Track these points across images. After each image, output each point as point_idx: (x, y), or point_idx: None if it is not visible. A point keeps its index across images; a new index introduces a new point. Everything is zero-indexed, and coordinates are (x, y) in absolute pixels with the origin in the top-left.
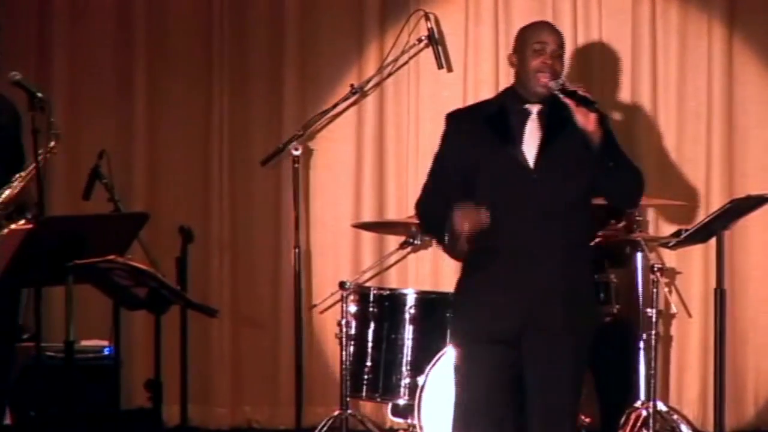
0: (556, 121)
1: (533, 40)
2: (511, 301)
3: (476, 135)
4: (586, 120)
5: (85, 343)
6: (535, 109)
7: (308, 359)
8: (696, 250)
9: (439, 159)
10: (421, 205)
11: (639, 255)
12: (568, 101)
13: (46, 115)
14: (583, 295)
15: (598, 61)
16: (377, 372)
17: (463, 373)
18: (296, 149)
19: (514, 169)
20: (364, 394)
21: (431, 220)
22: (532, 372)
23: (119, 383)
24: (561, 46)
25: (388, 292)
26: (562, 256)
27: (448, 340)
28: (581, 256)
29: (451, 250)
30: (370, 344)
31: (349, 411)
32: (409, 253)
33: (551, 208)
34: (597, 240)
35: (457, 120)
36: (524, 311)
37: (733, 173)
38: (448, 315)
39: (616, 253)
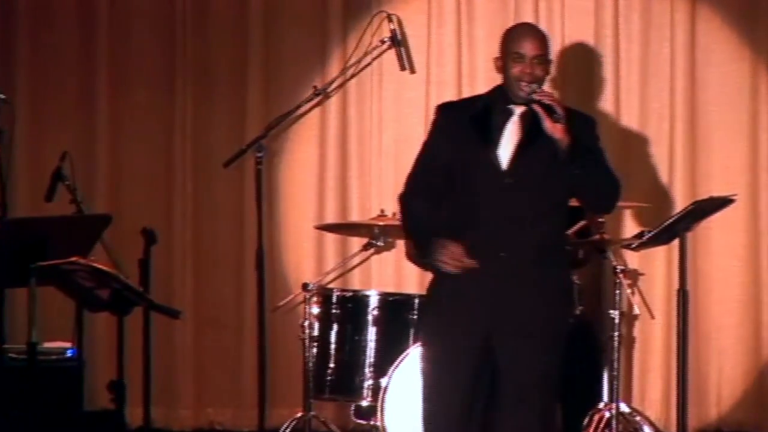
0: (538, 124)
1: (513, 48)
2: (482, 303)
3: (459, 132)
4: (553, 127)
5: (47, 344)
6: (518, 110)
7: (271, 361)
8: (659, 252)
9: (426, 149)
10: (404, 199)
11: (602, 257)
12: (536, 108)
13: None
14: (556, 298)
15: (560, 63)
16: (340, 373)
17: (432, 372)
18: (259, 151)
19: (488, 171)
20: (327, 395)
21: (412, 221)
22: (506, 375)
23: (82, 385)
24: (543, 49)
25: (351, 293)
26: (534, 259)
27: (411, 341)
28: (555, 259)
29: (421, 266)
30: (333, 346)
31: (312, 412)
32: (372, 254)
33: (524, 211)
34: None
35: (446, 113)
36: (496, 314)
37: (696, 175)
38: (411, 316)
39: (575, 254)
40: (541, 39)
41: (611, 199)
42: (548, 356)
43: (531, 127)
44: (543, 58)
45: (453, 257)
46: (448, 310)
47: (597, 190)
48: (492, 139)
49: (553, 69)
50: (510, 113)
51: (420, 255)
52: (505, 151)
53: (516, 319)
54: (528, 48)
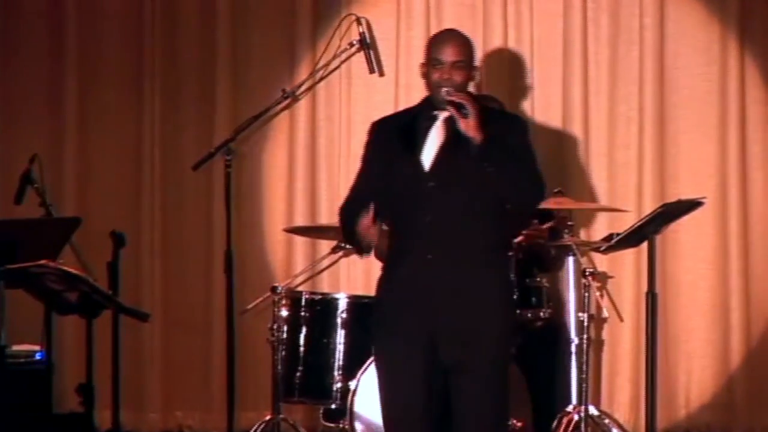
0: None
1: (433, 54)
2: (420, 306)
3: (389, 144)
4: (465, 125)
5: (16, 347)
6: (443, 115)
7: (240, 364)
8: (627, 255)
9: (362, 167)
10: (343, 211)
11: (571, 259)
12: (449, 108)
13: None
14: (492, 299)
15: (529, 65)
16: (309, 376)
17: (382, 373)
18: (228, 154)
19: (412, 176)
20: (296, 398)
21: (350, 225)
22: (453, 381)
23: (51, 388)
24: (462, 55)
25: (320, 296)
26: (462, 259)
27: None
28: (488, 260)
29: (361, 253)
30: (301, 348)
31: (281, 415)
32: (341, 257)
33: (448, 212)
34: (520, 240)
35: (377, 129)
36: (434, 315)
37: (665, 178)
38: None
39: (545, 257)
40: (461, 45)
41: (529, 196)
42: (490, 356)
43: (455, 130)
44: (462, 64)
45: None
46: (390, 312)
47: (514, 188)
48: (416, 145)
49: (523, 71)
50: (434, 119)
51: (361, 250)
52: (428, 155)
53: (452, 321)
54: (447, 54)
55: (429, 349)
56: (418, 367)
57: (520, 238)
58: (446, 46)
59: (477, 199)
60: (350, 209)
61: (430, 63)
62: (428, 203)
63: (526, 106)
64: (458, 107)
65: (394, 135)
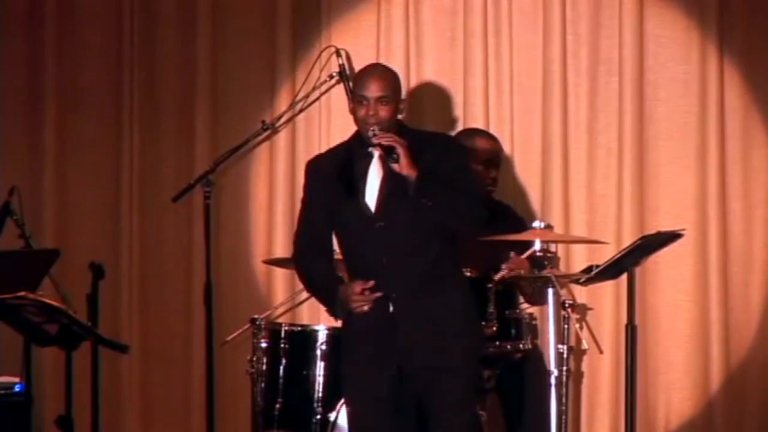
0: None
1: (357, 91)
2: (385, 341)
3: (328, 186)
4: (399, 167)
5: None
6: (377, 152)
7: (219, 395)
8: (607, 287)
9: (304, 208)
10: (298, 262)
11: (550, 291)
12: (378, 151)
13: None
14: (453, 328)
15: (508, 96)
16: (289, 408)
17: (349, 405)
18: (207, 185)
19: (360, 220)
20: (275, 430)
21: (312, 282)
22: (425, 406)
23: (30, 420)
24: (386, 90)
25: (299, 328)
26: (419, 290)
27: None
28: (446, 289)
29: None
30: (281, 380)
31: None
32: None
33: (400, 248)
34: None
35: (312, 171)
36: (400, 349)
37: (644, 209)
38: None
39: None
40: (385, 79)
41: (467, 219)
42: (458, 381)
43: (391, 167)
44: (387, 99)
45: (358, 296)
46: (357, 351)
47: (454, 216)
48: (357, 188)
49: (502, 102)
50: (370, 156)
51: (331, 312)
52: (371, 196)
53: (418, 351)
54: (371, 90)
55: (399, 380)
56: (386, 399)
57: (502, 273)
58: (369, 82)
59: (423, 230)
60: (305, 259)
61: (356, 99)
62: (380, 244)
63: (506, 137)
64: (386, 151)
65: (334, 177)
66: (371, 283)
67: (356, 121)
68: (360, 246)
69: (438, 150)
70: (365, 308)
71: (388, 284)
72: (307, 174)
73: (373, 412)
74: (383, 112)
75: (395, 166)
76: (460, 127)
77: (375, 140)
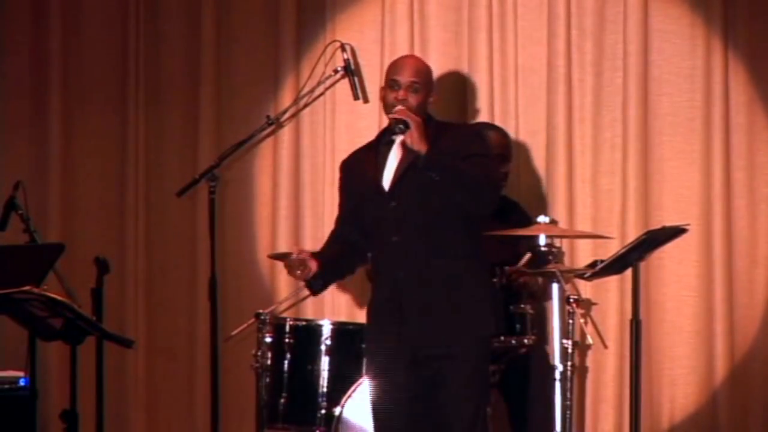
0: None
1: (389, 76)
2: (398, 323)
3: (355, 177)
4: (411, 138)
5: (0, 374)
6: (399, 138)
7: (224, 390)
8: (612, 282)
9: (340, 205)
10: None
11: (555, 286)
12: (394, 124)
13: None
14: (466, 309)
15: (513, 92)
16: (293, 403)
17: (371, 393)
18: (212, 180)
19: (376, 199)
20: (280, 425)
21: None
22: (434, 393)
23: (35, 414)
24: (418, 77)
25: (304, 322)
26: (434, 274)
27: (364, 371)
28: (460, 270)
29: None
30: (286, 375)
31: None
32: None
33: (414, 229)
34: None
35: (344, 168)
36: (412, 331)
37: (649, 204)
38: (364, 346)
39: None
40: (419, 68)
41: (478, 199)
42: (463, 368)
43: (410, 149)
44: (418, 86)
45: (288, 266)
46: (374, 332)
47: (462, 192)
48: (375, 171)
49: (507, 97)
50: (392, 142)
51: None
52: (388, 178)
53: (428, 334)
54: (404, 74)
55: (412, 365)
56: (403, 384)
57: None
58: (404, 68)
59: (438, 212)
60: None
61: (388, 85)
62: (392, 223)
63: (510, 132)
64: (398, 121)
65: (360, 165)
66: (301, 248)
67: (385, 107)
68: (375, 226)
69: (457, 136)
70: (297, 273)
71: (398, 263)
72: (341, 170)
73: (393, 398)
74: (412, 99)
75: (406, 139)
76: (465, 121)
77: (392, 115)
